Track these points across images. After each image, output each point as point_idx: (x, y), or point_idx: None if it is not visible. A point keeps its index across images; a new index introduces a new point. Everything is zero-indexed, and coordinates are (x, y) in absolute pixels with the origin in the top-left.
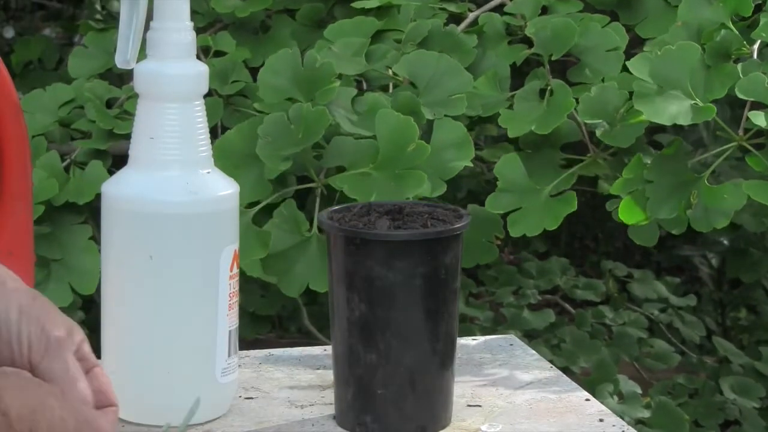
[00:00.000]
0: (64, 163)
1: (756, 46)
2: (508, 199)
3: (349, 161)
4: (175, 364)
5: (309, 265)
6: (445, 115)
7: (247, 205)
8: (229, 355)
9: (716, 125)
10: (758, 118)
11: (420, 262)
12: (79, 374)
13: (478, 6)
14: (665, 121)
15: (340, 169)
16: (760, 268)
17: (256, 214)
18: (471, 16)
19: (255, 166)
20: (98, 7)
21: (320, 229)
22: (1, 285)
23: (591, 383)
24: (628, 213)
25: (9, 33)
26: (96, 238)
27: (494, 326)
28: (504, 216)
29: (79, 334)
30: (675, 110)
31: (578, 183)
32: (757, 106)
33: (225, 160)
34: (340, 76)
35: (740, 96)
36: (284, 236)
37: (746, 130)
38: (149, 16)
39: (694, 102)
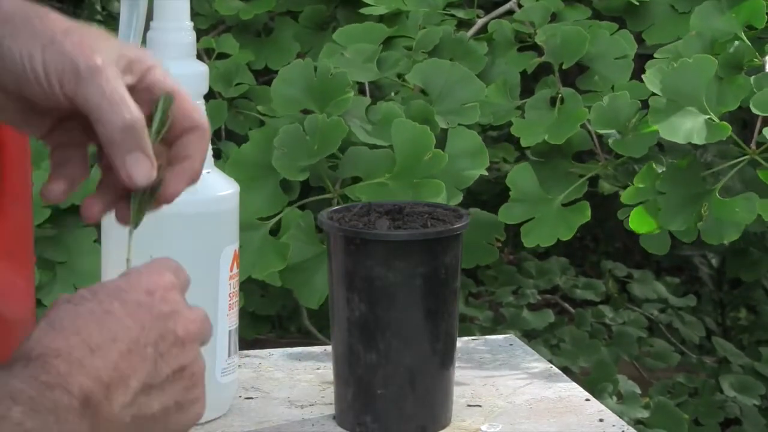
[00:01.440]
0: None
1: (767, 58)
2: (520, 209)
3: (365, 171)
4: None
5: (327, 275)
6: (459, 124)
7: (261, 219)
8: (229, 355)
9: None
10: None
11: (420, 262)
12: (120, 97)
13: (486, 12)
14: (680, 139)
15: (356, 180)
16: (760, 268)
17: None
18: (479, 22)
19: (270, 178)
20: (98, 7)
21: (320, 229)
22: (28, 23)
23: (590, 383)
24: (639, 222)
25: None
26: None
27: (494, 326)
28: (517, 226)
29: (124, 58)
30: (690, 127)
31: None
32: None
33: (241, 173)
34: (353, 85)
35: (755, 111)
36: (302, 247)
37: (758, 144)
38: (149, 16)
39: (708, 117)
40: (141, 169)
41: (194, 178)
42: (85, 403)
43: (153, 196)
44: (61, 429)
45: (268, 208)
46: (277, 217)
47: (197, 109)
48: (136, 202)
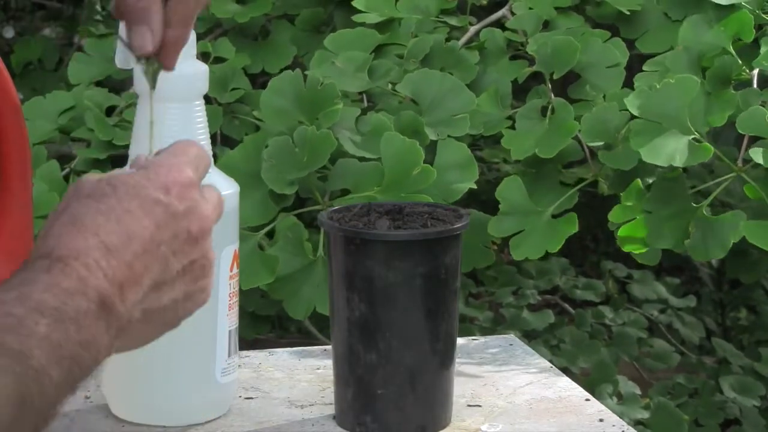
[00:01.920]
0: (64, 172)
1: (755, 72)
2: (510, 223)
3: (354, 184)
4: (175, 364)
5: (315, 287)
6: (448, 136)
7: (251, 228)
8: (229, 355)
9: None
10: (757, 155)
11: (420, 262)
12: None
13: (479, 20)
14: (661, 161)
15: (345, 192)
16: (759, 268)
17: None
18: (471, 30)
19: (259, 187)
20: (98, 7)
21: (318, 228)
22: None
23: (590, 384)
24: (627, 240)
25: (9, 33)
26: None
27: (494, 326)
28: (507, 239)
29: None
30: (672, 148)
31: (577, 182)
32: (757, 137)
33: None
34: (345, 95)
35: (740, 131)
36: (290, 259)
37: (745, 161)
38: None
39: (693, 137)
40: (138, 40)
41: (176, 46)
42: (101, 305)
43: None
44: (81, 336)
45: (258, 217)
46: (267, 228)
47: None
48: (149, 64)
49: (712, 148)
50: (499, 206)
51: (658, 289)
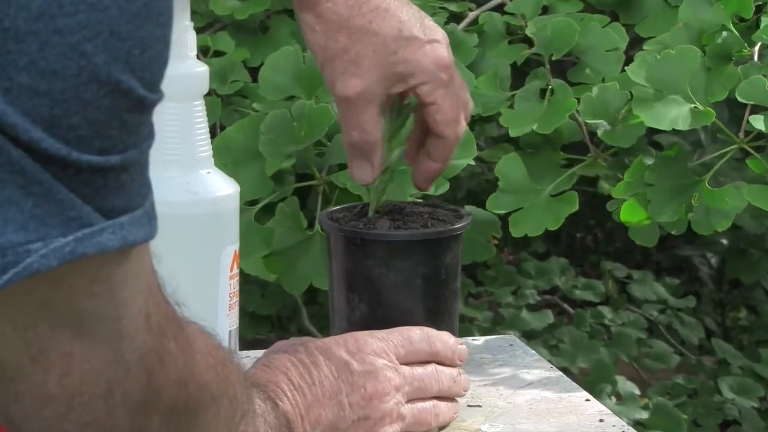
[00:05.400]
0: None
1: (756, 48)
2: (509, 200)
3: None
4: None
5: (311, 262)
6: None
7: (248, 203)
8: None
9: (715, 126)
10: (758, 122)
11: (420, 262)
12: (356, 121)
13: (478, 5)
14: (665, 126)
15: (342, 167)
16: (759, 268)
17: (258, 212)
18: (471, 15)
19: (256, 163)
20: None
21: (311, 224)
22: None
23: (589, 384)
24: (630, 215)
25: None
26: None
27: (493, 326)
28: (505, 216)
29: (393, 76)
30: (674, 115)
31: (578, 183)
32: (757, 109)
33: (225, 157)
34: None
35: (741, 100)
36: (286, 234)
37: (747, 133)
38: None
39: (693, 106)
40: (359, 174)
41: (433, 175)
42: (287, 426)
43: (386, 185)
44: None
45: (253, 192)
46: (262, 203)
47: (451, 121)
48: (373, 189)
49: (714, 112)
50: (498, 183)
51: (658, 290)
